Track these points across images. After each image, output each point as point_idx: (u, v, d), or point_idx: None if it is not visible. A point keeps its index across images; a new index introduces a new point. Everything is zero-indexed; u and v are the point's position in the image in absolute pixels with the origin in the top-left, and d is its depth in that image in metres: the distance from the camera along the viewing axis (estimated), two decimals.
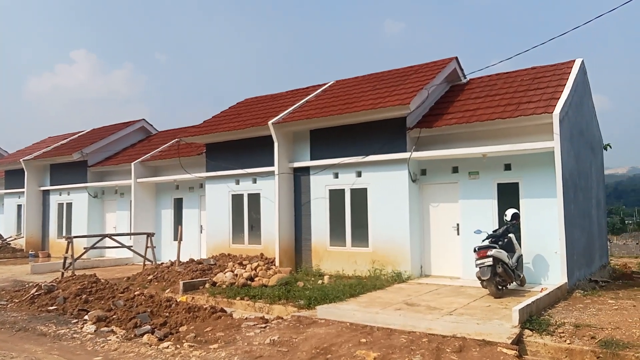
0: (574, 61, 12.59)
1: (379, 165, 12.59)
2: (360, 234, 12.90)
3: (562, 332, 7.06)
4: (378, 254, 12.44)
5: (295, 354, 6.73)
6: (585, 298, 9.37)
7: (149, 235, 15.99)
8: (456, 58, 14.15)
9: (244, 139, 15.25)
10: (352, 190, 13.10)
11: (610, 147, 18.48)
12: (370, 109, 12.30)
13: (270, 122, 13.86)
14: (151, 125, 23.30)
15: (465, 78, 14.35)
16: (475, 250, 9.63)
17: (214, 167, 15.98)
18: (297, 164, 14.11)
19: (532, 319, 7.54)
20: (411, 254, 12.03)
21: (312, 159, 13.95)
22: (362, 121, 12.84)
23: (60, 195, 21.94)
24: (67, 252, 14.89)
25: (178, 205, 18.48)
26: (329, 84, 16.51)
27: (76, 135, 24.40)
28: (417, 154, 11.96)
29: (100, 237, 16.17)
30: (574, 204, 10.96)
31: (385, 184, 12.47)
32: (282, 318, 8.95)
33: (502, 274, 9.44)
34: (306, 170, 14.01)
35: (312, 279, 12.22)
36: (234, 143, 15.51)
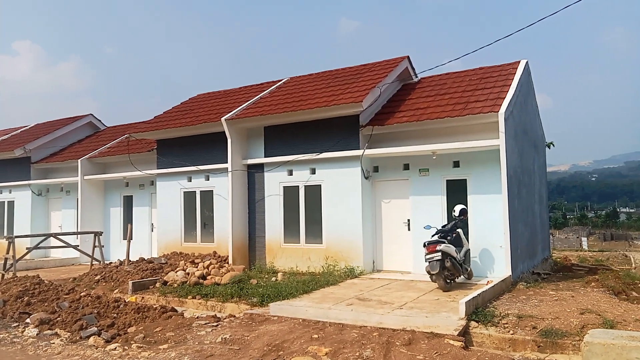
0: (518, 62, 13.10)
1: (332, 162, 12.68)
2: (315, 231, 12.96)
3: (506, 323, 7.35)
4: (332, 250, 12.54)
5: (247, 352, 6.70)
6: (528, 290, 9.77)
7: (97, 234, 15.47)
8: (408, 57, 14.41)
9: (196, 135, 14.98)
10: (306, 187, 13.14)
11: (553, 145, 19.34)
12: (324, 106, 12.36)
13: (223, 119, 13.69)
14: (99, 121, 22.53)
15: (416, 77, 14.64)
16: (425, 245, 9.88)
17: (165, 163, 15.62)
18: (251, 161, 14.00)
19: (477, 311, 7.81)
20: (364, 249, 12.19)
21: (266, 155, 13.88)
22: (316, 118, 12.89)
23: (1, 193, 20.89)
24: (7, 252, 14.21)
25: (128, 203, 17.98)
26: (284, 81, 16.46)
27: (18, 131, 23.26)
28: (369, 151, 12.12)
29: (45, 237, 15.49)
30: (518, 199, 11.41)
31: (339, 180, 12.57)
32: (234, 316, 8.88)
33: (450, 268, 9.72)
34: (260, 167, 13.93)
35: (266, 276, 12.19)
36: (186, 139, 15.22)
